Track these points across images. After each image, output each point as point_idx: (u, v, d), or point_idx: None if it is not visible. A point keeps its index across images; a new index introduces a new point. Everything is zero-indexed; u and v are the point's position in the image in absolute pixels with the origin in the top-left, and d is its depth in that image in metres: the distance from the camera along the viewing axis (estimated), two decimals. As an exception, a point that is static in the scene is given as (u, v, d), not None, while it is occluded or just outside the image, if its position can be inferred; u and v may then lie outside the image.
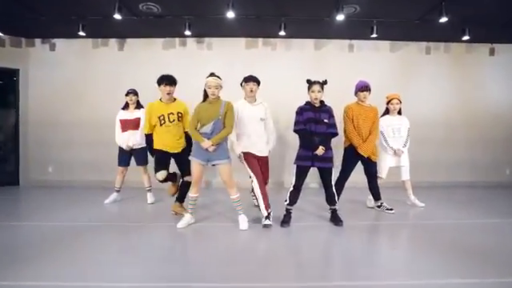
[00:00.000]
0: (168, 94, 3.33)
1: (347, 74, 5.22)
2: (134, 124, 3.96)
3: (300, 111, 3.15)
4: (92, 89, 5.55)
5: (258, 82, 3.37)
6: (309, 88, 3.16)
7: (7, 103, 5.63)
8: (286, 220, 3.17)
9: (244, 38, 5.49)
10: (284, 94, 5.01)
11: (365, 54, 5.63)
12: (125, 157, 4.05)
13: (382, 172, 3.89)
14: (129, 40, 5.56)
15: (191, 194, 3.15)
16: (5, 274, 2.02)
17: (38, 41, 5.58)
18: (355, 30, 5.12)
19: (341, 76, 4.97)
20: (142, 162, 4.02)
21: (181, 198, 3.51)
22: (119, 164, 4.07)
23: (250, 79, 3.33)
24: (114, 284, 1.92)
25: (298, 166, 3.14)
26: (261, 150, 3.33)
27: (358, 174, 3.72)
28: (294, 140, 3.31)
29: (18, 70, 5.53)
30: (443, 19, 4.21)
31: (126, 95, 4.01)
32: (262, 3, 4.26)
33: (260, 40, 5.54)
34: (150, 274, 2.05)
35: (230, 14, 4.14)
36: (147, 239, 2.77)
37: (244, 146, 3.28)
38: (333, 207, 3.24)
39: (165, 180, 3.35)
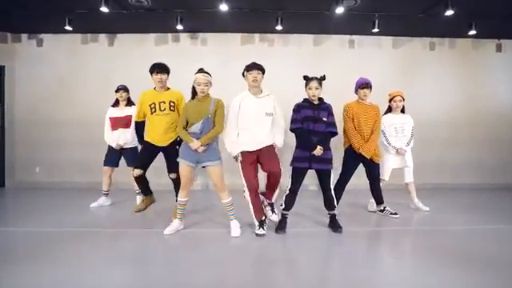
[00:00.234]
0: (159, 81, 3.21)
1: (347, 71, 5.06)
2: (124, 122, 3.78)
3: (297, 108, 2.96)
4: (81, 86, 5.38)
5: (263, 70, 2.96)
6: (306, 85, 2.99)
7: (-8, 101, 5.47)
8: (281, 226, 3.01)
9: (239, 34, 5.32)
10: (282, 92, 4.72)
11: (366, 51, 5.47)
12: (114, 156, 3.86)
13: (385, 174, 3.73)
14: (119, 35, 5.39)
15: (180, 197, 3.00)
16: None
17: (24, 36, 5.41)
18: (356, 25, 4.96)
19: (341, 73, 4.82)
20: (133, 162, 3.76)
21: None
22: (105, 164, 3.87)
23: (253, 67, 2.93)
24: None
25: (294, 168, 2.98)
26: (262, 141, 2.92)
27: (360, 176, 3.55)
28: (291, 140, 3.13)
29: (4, 66, 5.36)
30: (449, 12, 4.04)
31: (116, 91, 3.85)
32: (256, -5, 4.11)
33: (256, 36, 5.37)
34: (132, 285, 1.91)
35: (224, 7, 3.98)
36: (131, 247, 2.61)
37: (242, 143, 2.91)
38: (332, 212, 3.08)
39: (138, 180, 3.30)
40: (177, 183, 3.28)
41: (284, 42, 5.42)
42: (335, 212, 3.08)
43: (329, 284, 2.05)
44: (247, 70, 2.97)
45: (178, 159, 2.93)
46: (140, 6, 4.37)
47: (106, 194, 3.93)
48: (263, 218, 2.96)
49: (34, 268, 2.16)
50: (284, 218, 3.06)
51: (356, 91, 3.47)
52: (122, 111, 3.83)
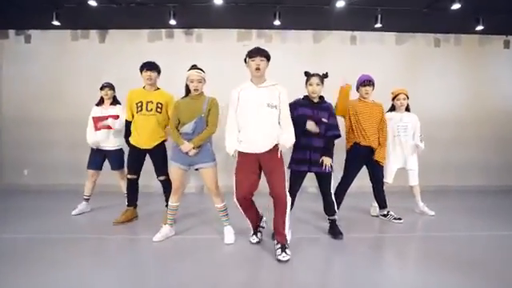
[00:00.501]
0: (148, 79, 3.14)
1: (349, 68, 4.85)
2: (108, 123, 3.62)
3: (293, 106, 2.74)
4: (71, 84, 5.25)
5: (268, 57, 2.57)
6: (307, 81, 2.85)
7: (-21, 100, 5.34)
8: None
9: (236, 30, 5.20)
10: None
11: (368, 47, 5.36)
12: (97, 159, 3.69)
13: (388, 176, 3.60)
14: (111, 31, 5.26)
15: (171, 202, 2.88)
16: None
17: (11, 32, 5.29)
18: (357, 20, 4.85)
19: (342, 71, 4.63)
20: (118, 165, 3.69)
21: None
22: (88, 166, 3.70)
23: (256, 53, 2.53)
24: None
25: (292, 171, 2.85)
26: (262, 145, 2.50)
27: (362, 178, 3.42)
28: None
29: (-9, 63, 5.25)
30: (455, 6, 3.92)
31: (101, 89, 3.66)
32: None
33: (253, 32, 5.25)
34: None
35: (218, 1, 3.85)
36: (118, 255, 2.48)
37: (241, 142, 2.55)
38: (332, 217, 2.95)
39: (129, 183, 3.28)
40: (166, 186, 3.20)
41: (282, 39, 5.30)
42: (335, 217, 2.95)
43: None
44: (249, 57, 2.58)
45: (170, 162, 2.82)
46: (131, 0, 4.25)
47: (87, 199, 3.75)
48: (259, 223, 2.80)
49: (13, 275, 2.03)
50: None
51: (357, 89, 3.33)
52: (106, 110, 3.65)
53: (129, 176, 3.28)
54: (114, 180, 3.80)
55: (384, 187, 3.50)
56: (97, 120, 3.62)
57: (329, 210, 2.92)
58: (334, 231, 2.91)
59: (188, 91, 2.79)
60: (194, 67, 2.78)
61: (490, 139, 5.52)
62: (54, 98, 5.27)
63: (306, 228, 3.18)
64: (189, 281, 2.06)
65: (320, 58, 5.17)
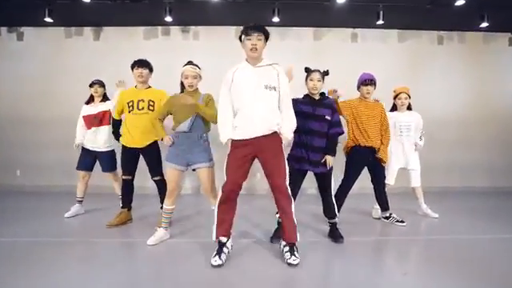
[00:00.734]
0: (139, 76, 3.13)
1: (350, 67, 4.87)
2: (98, 119, 3.56)
3: (294, 102, 2.57)
4: (65, 83, 5.21)
5: (266, 35, 2.35)
6: (307, 77, 2.80)
7: (-30, 99, 5.30)
8: (276, 235, 2.82)
9: (234, 27, 5.15)
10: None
11: (370, 45, 5.34)
12: (87, 159, 3.62)
13: (389, 177, 3.55)
14: (105, 28, 5.23)
15: (166, 205, 2.82)
16: None
17: (3, 29, 5.27)
18: (359, 17, 4.84)
19: (343, 69, 4.64)
20: (109, 167, 3.62)
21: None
22: (78, 167, 3.63)
23: (253, 29, 2.29)
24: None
25: (291, 169, 2.77)
26: (260, 129, 2.32)
27: (363, 179, 3.35)
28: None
29: (-18, 61, 5.21)
30: (460, 2, 3.88)
31: (91, 86, 3.60)
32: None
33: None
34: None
35: (215, -4, 3.81)
36: (110, 259, 2.43)
37: (235, 128, 2.37)
38: (332, 221, 2.89)
39: (124, 184, 3.24)
40: (161, 187, 3.16)
41: (282, 36, 5.26)
42: (336, 220, 2.90)
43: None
44: (245, 34, 2.33)
45: (165, 163, 2.78)
46: (125, -4, 4.22)
47: (80, 201, 3.69)
48: (225, 240, 2.39)
49: (1, 281, 1.98)
50: (280, 226, 2.87)
51: (358, 88, 3.27)
52: (96, 107, 3.59)
53: (123, 177, 3.25)
54: (108, 181, 3.75)
55: (386, 189, 3.45)
56: (87, 118, 3.57)
57: (328, 212, 2.86)
58: (335, 235, 2.84)
59: (183, 88, 2.76)
60: (189, 63, 2.75)
61: (495, 139, 5.50)
62: (47, 96, 5.23)
63: (306, 231, 3.12)
64: (184, 286, 2.00)
65: (320, 56, 5.14)
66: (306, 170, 2.76)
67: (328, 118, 2.72)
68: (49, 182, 5.17)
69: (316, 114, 2.72)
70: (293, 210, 2.40)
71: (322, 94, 2.83)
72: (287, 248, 2.36)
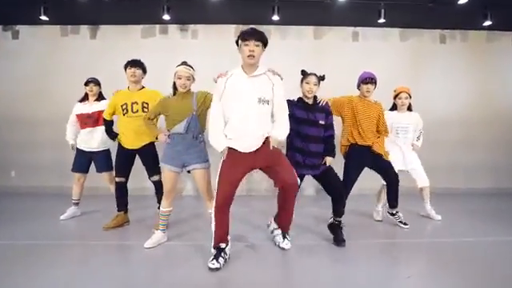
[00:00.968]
0: (132, 76, 3.11)
1: (351, 65, 4.86)
2: (93, 119, 3.52)
3: (289, 105, 2.53)
4: (61, 82, 5.17)
5: (264, 42, 2.29)
6: (303, 79, 2.77)
7: (-36, 99, 5.27)
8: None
9: (233, 25, 5.14)
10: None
11: (371, 44, 5.32)
12: (82, 161, 3.60)
13: None
14: (102, 27, 5.21)
15: (163, 207, 2.81)
16: None
17: (-2, 28, 5.24)
18: (360, 16, 4.83)
19: (344, 68, 4.66)
20: (104, 167, 3.58)
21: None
22: (73, 169, 3.61)
23: (251, 35, 2.21)
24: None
25: None
26: (249, 146, 2.32)
27: (362, 180, 3.30)
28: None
29: (-24, 60, 5.19)
30: (462, 0, 3.87)
31: (86, 85, 3.55)
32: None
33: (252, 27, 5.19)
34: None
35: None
36: (105, 263, 2.41)
37: (228, 138, 2.36)
38: (338, 219, 2.86)
39: (117, 186, 3.23)
40: (159, 187, 3.15)
41: (282, 35, 5.25)
42: (341, 219, 2.86)
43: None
44: (242, 39, 2.25)
45: (161, 164, 2.77)
46: (122, -6, 4.20)
47: (77, 204, 3.68)
48: (224, 245, 2.38)
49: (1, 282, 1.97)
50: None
51: (358, 86, 3.21)
52: (91, 107, 3.55)
53: (117, 179, 3.23)
54: (105, 183, 3.72)
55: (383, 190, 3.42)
56: (81, 117, 3.54)
57: (338, 211, 2.83)
58: (337, 237, 2.81)
59: (175, 88, 2.72)
60: (183, 63, 2.72)
61: (499, 140, 5.48)
62: (43, 96, 5.20)
63: (305, 234, 3.10)
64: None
65: (321, 55, 5.13)
66: (304, 174, 2.74)
67: (322, 122, 2.73)
68: (44, 183, 5.15)
69: (310, 120, 2.71)
70: (294, 204, 2.52)
71: (315, 97, 2.80)
72: (278, 231, 2.47)
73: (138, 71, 3.14)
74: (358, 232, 3.16)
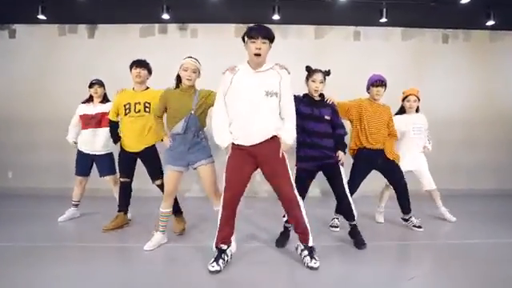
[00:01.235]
0: (137, 76, 3.10)
1: (352, 65, 4.94)
2: (96, 120, 3.52)
3: (295, 101, 2.50)
4: (59, 82, 5.21)
5: (271, 38, 2.28)
6: (308, 77, 2.77)
7: (-39, 99, 5.29)
8: (282, 240, 2.81)
9: (233, 24, 5.17)
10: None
11: (372, 43, 5.35)
12: (84, 164, 3.60)
13: None
14: (100, 26, 5.23)
15: (163, 208, 2.80)
16: None
17: (-5, 27, 5.25)
18: (361, 15, 4.86)
19: (345, 68, 4.68)
20: (107, 171, 3.58)
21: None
22: (78, 172, 3.61)
23: (258, 32, 2.21)
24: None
25: (299, 170, 2.76)
26: (257, 137, 2.30)
27: (368, 182, 3.31)
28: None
29: (-27, 60, 5.20)
30: (465, 0, 3.89)
31: (90, 87, 3.56)
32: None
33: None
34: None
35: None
36: (105, 264, 2.42)
37: (233, 134, 2.34)
38: (352, 223, 2.84)
39: (121, 186, 3.25)
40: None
41: (282, 34, 5.25)
42: (355, 222, 2.84)
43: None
44: (249, 37, 2.25)
45: (165, 165, 2.73)
46: (121, -7, 4.22)
47: (76, 205, 3.68)
48: (225, 247, 2.36)
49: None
50: (286, 230, 2.85)
51: (368, 89, 3.22)
52: (95, 108, 3.55)
53: (121, 179, 3.26)
54: (105, 184, 3.72)
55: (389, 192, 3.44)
56: (84, 118, 3.54)
57: (347, 214, 2.81)
58: (357, 240, 2.80)
59: (178, 82, 2.71)
60: (189, 57, 2.72)
61: (501, 140, 5.50)
62: (40, 96, 5.22)
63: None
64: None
65: (322, 55, 5.15)
66: (315, 168, 2.75)
67: (327, 117, 2.73)
68: (42, 185, 5.16)
69: (315, 115, 2.72)
70: (303, 213, 2.41)
71: (321, 95, 2.81)
72: (306, 252, 2.38)
73: (144, 72, 3.12)
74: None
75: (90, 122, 3.52)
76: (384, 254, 2.74)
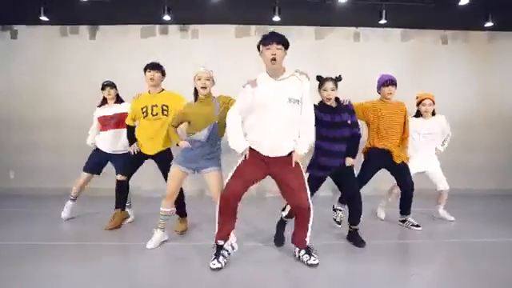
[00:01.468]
0: (151, 79, 3.13)
1: (352, 66, 4.98)
2: (115, 120, 3.54)
3: (315, 112, 2.52)
4: (60, 83, 5.24)
5: (286, 44, 2.31)
6: (320, 86, 2.79)
7: (-38, 99, 5.32)
8: (280, 238, 2.86)
9: (234, 25, 5.21)
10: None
11: (372, 44, 5.38)
12: (98, 161, 3.61)
13: None
14: (102, 27, 5.26)
15: (163, 207, 2.84)
16: None
17: (-4, 28, 5.29)
18: (361, 16, 4.89)
19: (345, 69, 4.63)
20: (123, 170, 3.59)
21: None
22: (86, 169, 3.61)
23: (272, 39, 2.25)
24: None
25: (311, 176, 2.81)
26: (278, 144, 2.34)
27: (371, 182, 3.35)
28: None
29: (-25, 61, 5.24)
30: (464, 1, 3.94)
31: (102, 89, 3.58)
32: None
33: (252, 27, 5.26)
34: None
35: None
36: (106, 263, 2.47)
37: (250, 141, 2.40)
38: (355, 227, 2.89)
39: (119, 185, 3.29)
40: (181, 193, 3.15)
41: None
42: (358, 227, 2.89)
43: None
44: (263, 44, 2.28)
45: (174, 164, 2.75)
46: (123, -6, 4.27)
47: (74, 200, 3.68)
48: (222, 243, 2.43)
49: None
50: (282, 220, 2.92)
51: (379, 89, 3.26)
52: (111, 109, 3.58)
53: (119, 178, 3.28)
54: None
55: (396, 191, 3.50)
56: (103, 119, 3.57)
57: (354, 219, 2.85)
58: (356, 240, 2.86)
59: (196, 95, 2.75)
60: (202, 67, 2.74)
61: (501, 141, 5.52)
62: (41, 96, 5.25)
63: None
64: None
65: (322, 56, 5.19)
66: (327, 174, 2.83)
67: (349, 122, 2.76)
68: (43, 185, 5.19)
69: (339, 122, 2.74)
70: (311, 221, 2.45)
71: (337, 99, 2.82)
72: (303, 251, 2.44)
73: (157, 74, 3.15)
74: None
75: (109, 122, 3.55)
76: (383, 253, 2.79)
